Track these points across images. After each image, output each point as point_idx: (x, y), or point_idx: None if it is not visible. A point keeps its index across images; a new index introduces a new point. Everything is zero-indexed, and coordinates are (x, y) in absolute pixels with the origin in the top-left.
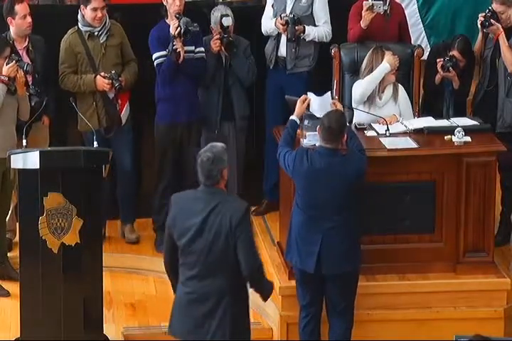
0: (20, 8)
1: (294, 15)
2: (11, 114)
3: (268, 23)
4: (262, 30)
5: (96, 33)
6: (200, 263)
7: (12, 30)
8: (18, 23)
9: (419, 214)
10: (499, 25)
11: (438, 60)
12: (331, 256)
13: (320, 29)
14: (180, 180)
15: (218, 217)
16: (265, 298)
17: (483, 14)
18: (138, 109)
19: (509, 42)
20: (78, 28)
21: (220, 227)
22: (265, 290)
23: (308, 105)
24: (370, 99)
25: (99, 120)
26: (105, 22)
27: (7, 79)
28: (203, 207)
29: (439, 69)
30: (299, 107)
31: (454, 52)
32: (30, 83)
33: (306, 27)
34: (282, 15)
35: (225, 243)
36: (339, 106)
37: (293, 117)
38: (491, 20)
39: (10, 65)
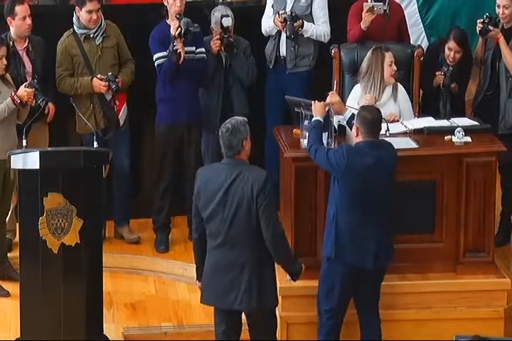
0: (21, 10)
1: (292, 12)
2: (11, 115)
3: (268, 23)
4: (262, 30)
5: (92, 35)
6: (223, 233)
7: (12, 30)
8: (18, 24)
9: (419, 214)
10: (498, 30)
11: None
12: (384, 250)
13: (319, 27)
14: (181, 180)
15: (240, 187)
16: (293, 276)
17: (481, 20)
18: (138, 109)
19: (510, 45)
20: (74, 30)
21: (242, 196)
22: (289, 262)
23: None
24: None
25: (96, 122)
26: (100, 23)
27: (19, 101)
28: (224, 177)
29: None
30: (322, 108)
31: (451, 43)
32: (30, 50)
33: (305, 22)
34: (281, 12)
35: (247, 212)
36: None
37: (317, 118)
38: (489, 26)
39: (28, 90)
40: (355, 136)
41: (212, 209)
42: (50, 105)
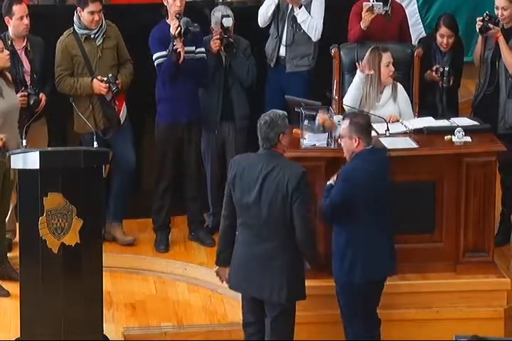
0: (18, 9)
1: None
2: (14, 116)
3: (263, 9)
4: (259, 20)
5: (92, 36)
6: (257, 224)
7: (10, 30)
8: (15, 24)
9: (419, 214)
10: (498, 29)
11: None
12: (395, 256)
13: (313, 20)
14: (181, 180)
15: (276, 180)
16: (313, 266)
17: (481, 19)
18: (138, 109)
19: (509, 44)
20: (74, 30)
21: (276, 190)
22: (313, 258)
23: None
24: (368, 102)
25: (96, 122)
26: (101, 24)
27: None
28: (260, 168)
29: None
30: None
31: (442, 30)
32: (28, 83)
33: (303, 8)
34: None
35: (281, 206)
36: (328, 123)
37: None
38: (489, 24)
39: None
40: (356, 147)
41: (249, 200)
42: (43, 96)
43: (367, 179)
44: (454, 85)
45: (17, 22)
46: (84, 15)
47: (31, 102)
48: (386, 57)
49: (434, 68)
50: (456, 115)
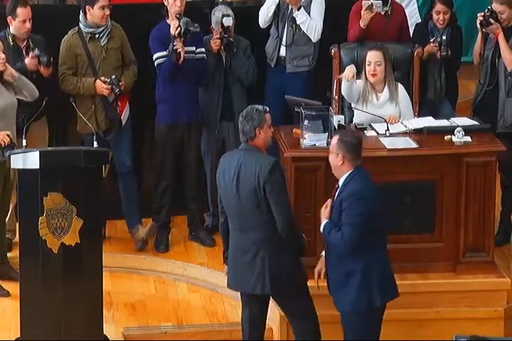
0: (22, 12)
1: None
2: (11, 115)
3: (264, 10)
4: (260, 21)
5: (97, 35)
6: (236, 217)
7: (11, 28)
8: (17, 26)
9: (419, 214)
10: (498, 25)
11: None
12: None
13: (312, 20)
14: (181, 180)
15: (248, 174)
16: (301, 253)
17: (482, 14)
18: (138, 109)
19: (509, 43)
20: (79, 29)
21: (250, 183)
22: (298, 244)
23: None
24: (365, 99)
25: (97, 123)
26: (107, 23)
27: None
28: (236, 163)
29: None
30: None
31: (437, 6)
32: (31, 46)
33: (302, 10)
34: None
35: (254, 198)
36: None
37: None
38: (490, 19)
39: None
40: (341, 165)
41: (229, 194)
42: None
43: (374, 194)
44: (453, 65)
45: (19, 24)
46: (95, 12)
47: (45, 60)
48: (369, 55)
49: (432, 39)
50: (455, 99)
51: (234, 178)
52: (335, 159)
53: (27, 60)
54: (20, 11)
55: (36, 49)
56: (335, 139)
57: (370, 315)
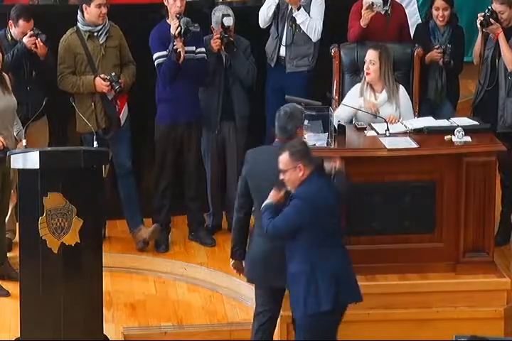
0: (23, 25)
1: None
2: (10, 115)
3: (264, 10)
4: (259, 21)
5: (96, 34)
6: None
7: (12, 30)
8: (16, 33)
9: (419, 214)
10: (498, 25)
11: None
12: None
13: (312, 20)
14: (181, 179)
15: None
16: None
17: (483, 14)
18: (138, 109)
19: (509, 43)
20: (77, 28)
21: None
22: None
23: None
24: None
25: (97, 121)
26: (105, 22)
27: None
28: (275, 163)
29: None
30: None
31: (437, 3)
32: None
33: (302, 9)
34: None
35: None
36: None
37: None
38: (490, 19)
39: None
40: (301, 175)
41: (266, 191)
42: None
43: (323, 199)
44: (455, 68)
45: (19, 34)
46: (92, 10)
47: (42, 39)
48: (367, 54)
49: (436, 46)
50: (456, 100)
51: (274, 176)
52: (295, 174)
53: (25, 39)
54: (21, 22)
55: (34, 28)
56: (285, 156)
57: (320, 319)
